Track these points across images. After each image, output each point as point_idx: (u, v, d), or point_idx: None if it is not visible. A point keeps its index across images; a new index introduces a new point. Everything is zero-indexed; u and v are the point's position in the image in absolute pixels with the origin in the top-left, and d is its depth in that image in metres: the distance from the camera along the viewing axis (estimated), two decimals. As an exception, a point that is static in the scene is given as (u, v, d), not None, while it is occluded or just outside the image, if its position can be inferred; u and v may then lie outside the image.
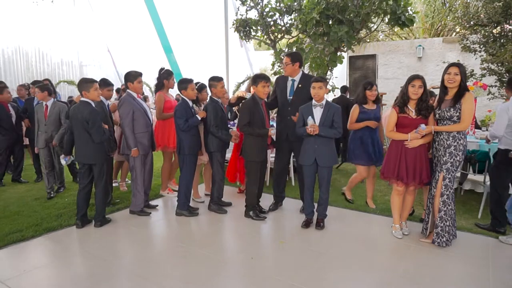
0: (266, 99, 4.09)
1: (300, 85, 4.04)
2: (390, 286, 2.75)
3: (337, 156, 3.79)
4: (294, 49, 7.31)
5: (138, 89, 4.16)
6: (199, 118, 4.05)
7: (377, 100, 4.29)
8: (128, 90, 4.13)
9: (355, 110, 4.25)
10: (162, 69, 4.73)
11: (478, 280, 2.82)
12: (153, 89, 9.85)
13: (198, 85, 4.58)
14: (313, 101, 3.66)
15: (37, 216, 4.14)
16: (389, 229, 3.70)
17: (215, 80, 4.17)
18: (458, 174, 4.34)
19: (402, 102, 3.36)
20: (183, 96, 4.12)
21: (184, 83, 4.10)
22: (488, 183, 4.15)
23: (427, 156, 3.43)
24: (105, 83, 4.49)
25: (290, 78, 4.11)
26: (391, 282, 2.80)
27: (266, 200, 4.38)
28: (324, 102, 3.64)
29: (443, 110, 3.23)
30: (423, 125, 3.23)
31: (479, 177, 4.21)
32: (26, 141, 6.25)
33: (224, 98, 4.53)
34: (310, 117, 3.55)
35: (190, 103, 4.12)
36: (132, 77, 4.11)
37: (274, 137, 4.12)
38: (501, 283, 2.79)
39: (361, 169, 4.36)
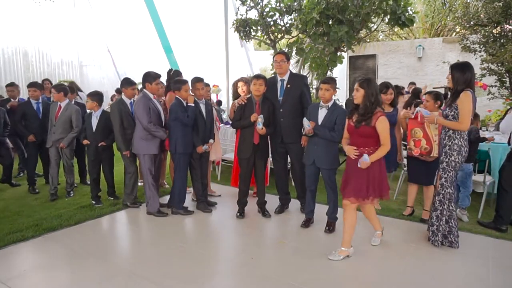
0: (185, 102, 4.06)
1: (289, 85, 4.02)
2: (390, 286, 2.75)
3: (338, 158, 3.73)
4: (294, 49, 7.30)
5: (155, 91, 4.17)
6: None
7: (394, 103, 4.05)
8: (144, 90, 4.12)
9: None
10: (170, 70, 4.91)
11: (478, 280, 2.82)
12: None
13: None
14: (320, 102, 3.63)
15: (37, 216, 4.14)
16: (389, 229, 3.68)
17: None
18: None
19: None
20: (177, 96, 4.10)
21: (178, 84, 4.10)
22: (488, 183, 4.16)
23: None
24: (128, 82, 4.47)
25: (279, 79, 4.07)
26: (391, 281, 2.80)
27: (270, 200, 4.36)
28: (330, 103, 3.57)
29: (444, 109, 3.29)
30: (365, 156, 2.95)
31: (479, 177, 4.21)
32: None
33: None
34: (305, 118, 3.55)
35: (184, 103, 4.06)
36: (151, 78, 4.09)
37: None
38: (501, 283, 2.79)
39: None
